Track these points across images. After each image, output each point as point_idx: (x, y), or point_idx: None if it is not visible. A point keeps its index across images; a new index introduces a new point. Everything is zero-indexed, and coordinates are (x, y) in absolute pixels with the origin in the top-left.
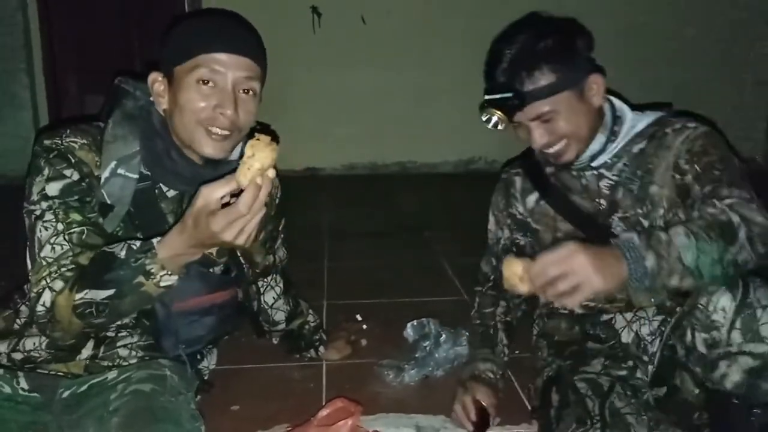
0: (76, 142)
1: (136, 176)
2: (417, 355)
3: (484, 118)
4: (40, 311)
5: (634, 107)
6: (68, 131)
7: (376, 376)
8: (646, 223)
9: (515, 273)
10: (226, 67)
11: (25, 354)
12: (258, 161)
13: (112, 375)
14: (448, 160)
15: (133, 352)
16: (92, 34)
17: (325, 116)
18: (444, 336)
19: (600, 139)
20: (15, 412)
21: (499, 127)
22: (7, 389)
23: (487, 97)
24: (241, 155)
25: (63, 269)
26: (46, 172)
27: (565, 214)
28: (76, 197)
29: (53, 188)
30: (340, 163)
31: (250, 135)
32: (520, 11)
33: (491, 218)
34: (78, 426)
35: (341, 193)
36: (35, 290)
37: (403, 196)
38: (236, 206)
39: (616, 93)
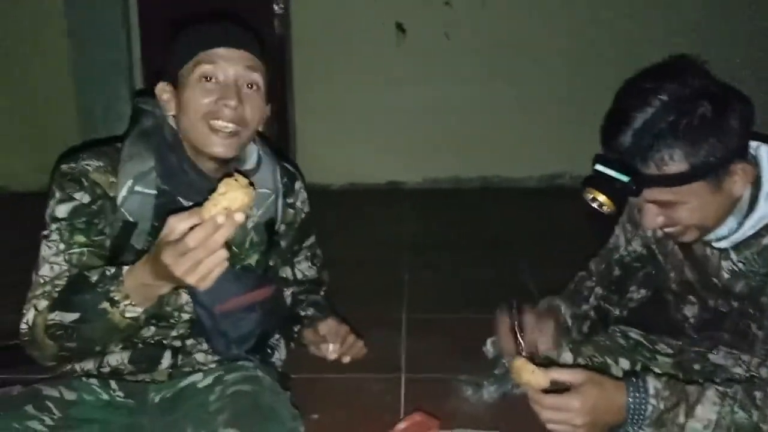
0: (90, 165)
1: (154, 192)
2: (496, 372)
3: (587, 197)
4: (22, 329)
5: None
6: (86, 155)
7: (455, 391)
8: (754, 327)
9: (529, 369)
10: (226, 61)
11: (111, 368)
12: (226, 200)
13: (198, 377)
14: (532, 175)
15: (209, 357)
16: None
17: (407, 130)
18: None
19: (730, 224)
20: (115, 416)
21: (604, 210)
22: (105, 396)
23: (597, 166)
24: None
25: (55, 289)
26: (57, 195)
27: (692, 265)
28: (83, 219)
29: (62, 210)
30: (423, 177)
31: (229, 175)
32: (608, 29)
33: (619, 227)
34: (175, 427)
35: (423, 207)
36: (25, 307)
37: (486, 211)
38: (185, 239)
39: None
